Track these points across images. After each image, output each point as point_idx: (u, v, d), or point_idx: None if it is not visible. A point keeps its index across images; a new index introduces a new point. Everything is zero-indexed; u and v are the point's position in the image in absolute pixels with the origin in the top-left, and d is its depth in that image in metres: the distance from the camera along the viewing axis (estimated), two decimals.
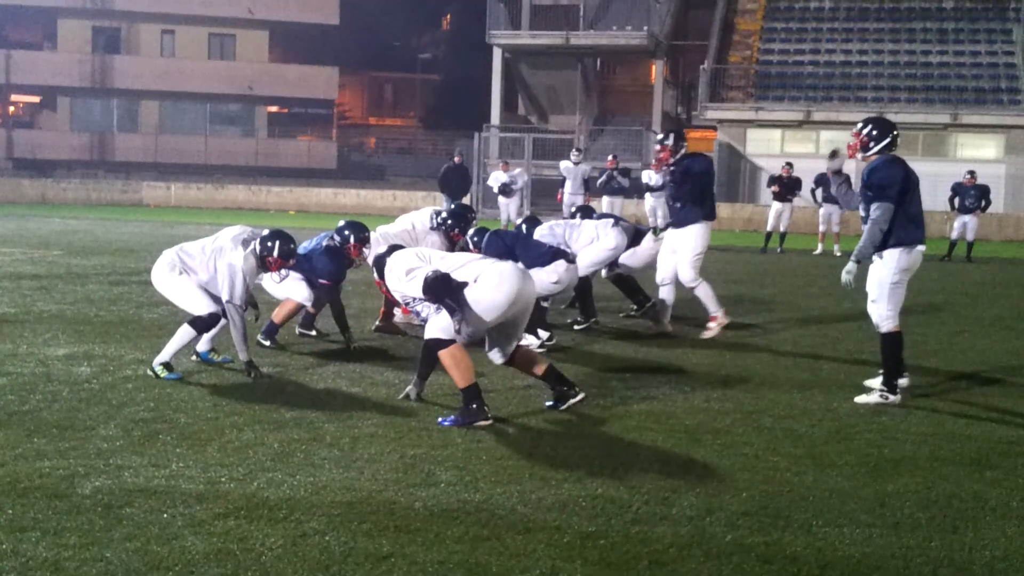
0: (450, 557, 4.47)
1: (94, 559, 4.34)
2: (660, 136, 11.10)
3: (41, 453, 5.91)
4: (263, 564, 4.35)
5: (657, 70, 42.30)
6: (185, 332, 8.18)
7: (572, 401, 7.33)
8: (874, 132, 8.06)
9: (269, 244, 8.33)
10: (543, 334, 9.88)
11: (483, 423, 6.80)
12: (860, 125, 8.20)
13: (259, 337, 9.42)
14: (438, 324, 6.99)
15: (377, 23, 60.69)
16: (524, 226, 11.38)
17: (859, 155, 8.20)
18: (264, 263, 8.37)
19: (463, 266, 7.11)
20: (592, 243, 11.21)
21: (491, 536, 4.74)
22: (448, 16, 70.09)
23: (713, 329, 10.89)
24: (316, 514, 4.98)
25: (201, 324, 8.20)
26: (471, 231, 10.00)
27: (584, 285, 11.22)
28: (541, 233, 11.00)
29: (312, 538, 4.66)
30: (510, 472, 5.80)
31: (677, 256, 10.90)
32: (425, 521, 4.92)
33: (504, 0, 41.20)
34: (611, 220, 11.61)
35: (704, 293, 11.01)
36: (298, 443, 6.28)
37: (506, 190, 24.53)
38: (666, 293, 11.07)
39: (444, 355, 6.96)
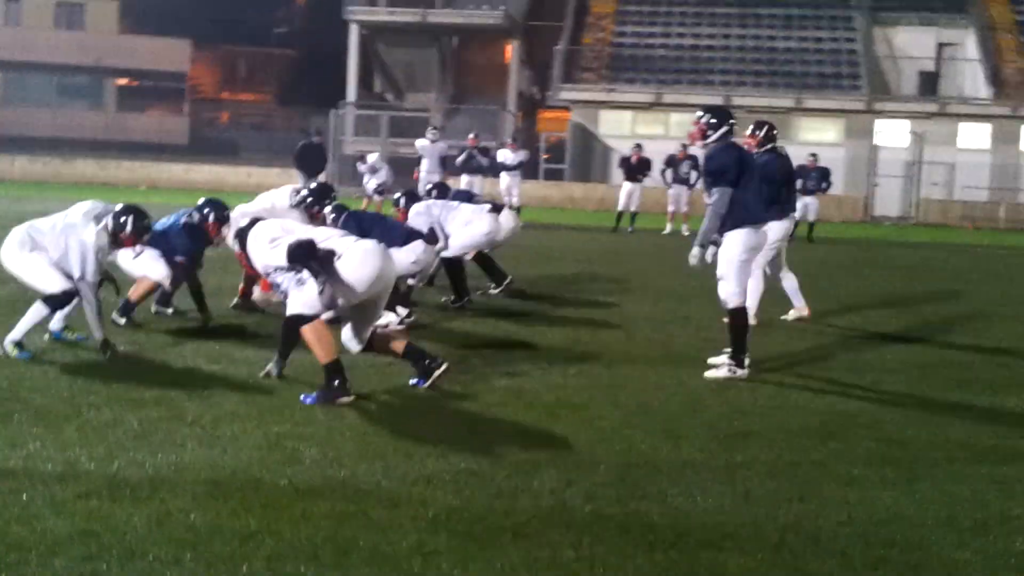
0: (317, 533, 4.52)
1: None
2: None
3: None
4: (127, 543, 4.33)
5: (513, 50, 42.56)
6: (38, 310, 7.99)
7: (437, 372, 7.38)
8: (712, 120, 8.39)
9: (122, 220, 8.20)
10: (402, 311, 9.94)
11: (345, 400, 6.84)
12: (699, 114, 8.51)
13: (114, 315, 9.24)
14: (300, 299, 6.99)
15: None
16: (403, 199, 11.50)
17: (698, 143, 8.52)
18: (117, 239, 8.23)
19: (326, 240, 7.13)
20: (466, 226, 11.36)
21: (357, 512, 4.81)
22: None
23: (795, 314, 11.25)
24: (180, 493, 4.96)
25: (54, 302, 8.02)
26: (329, 208, 10.01)
27: (455, 265, 11.34)
28: (417, 211, 11.11)
29: (177, 517, 4.65)
30: (374, 448, 5.87)
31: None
32: (291, 498, 4.96)
33: None
34: (487, 205, 11.78)
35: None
36: (159, 422, 6.23)
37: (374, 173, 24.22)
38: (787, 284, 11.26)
39: (306, 330, 6.97)
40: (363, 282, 7.00)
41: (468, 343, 9.33)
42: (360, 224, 9.63)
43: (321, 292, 6.93)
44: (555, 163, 40.57)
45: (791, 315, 11.24)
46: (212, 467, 5.39)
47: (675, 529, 4.77)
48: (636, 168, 24.25)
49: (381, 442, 6.01)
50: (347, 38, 41.72)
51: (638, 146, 25.10)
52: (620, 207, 24.84)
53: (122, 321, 9.29)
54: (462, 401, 7.14)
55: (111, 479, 5.14)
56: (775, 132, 10.96)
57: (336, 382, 6.88)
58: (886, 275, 17.23)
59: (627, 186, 24.60)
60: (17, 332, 7.94)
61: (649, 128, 37.13)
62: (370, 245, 7.22)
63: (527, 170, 29.07)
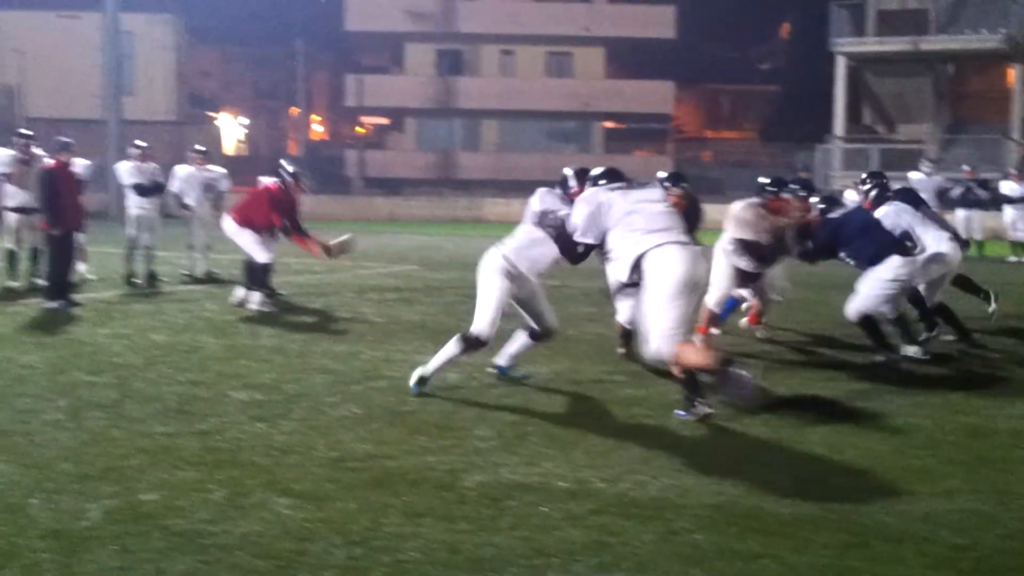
0: (819, 560, 4.57)
1: (485, 544, 4.74)
2: None
3: (425, 449, 6.42)
4: (638, 556, 4.61)
5: (1016, 74, 39.95)
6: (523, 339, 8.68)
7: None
8: None
9: None
10: (911, 349, 9.65)
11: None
12: None
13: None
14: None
15: (714, 35, 60.48)
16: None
17: None
18: None
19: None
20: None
21: (859, 543, 4.79)
22: (787, 25, 68.86)
23: None
24: (684, 514, 5.19)
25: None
26: (818, 198, 10.15)
27: (916, 295, 10.84)
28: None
29: (682, 535, 4.88)
30: (875, 485, 5.80)
31: None
32: (791, 527, 5.03)
33: (848, 6, 40.06)
34: (947, 233, 11.14)
35: None
36: (659, 448, 6.50)
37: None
38: None
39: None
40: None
41: (923, 382, 8.88)
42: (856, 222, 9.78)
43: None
44: None
45: None
46: (714, 493, 5.57)
47: None
48: None
49: (882, 481, 5.92)
50: (833, 71, 41.01)
51: None
52: None
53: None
54: (972, 438, 6.86)
55: (619, 498, 5.46)
56: None
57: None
58: None
59: None
60: (503, 357, 8.66)
61: None
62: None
63: None
